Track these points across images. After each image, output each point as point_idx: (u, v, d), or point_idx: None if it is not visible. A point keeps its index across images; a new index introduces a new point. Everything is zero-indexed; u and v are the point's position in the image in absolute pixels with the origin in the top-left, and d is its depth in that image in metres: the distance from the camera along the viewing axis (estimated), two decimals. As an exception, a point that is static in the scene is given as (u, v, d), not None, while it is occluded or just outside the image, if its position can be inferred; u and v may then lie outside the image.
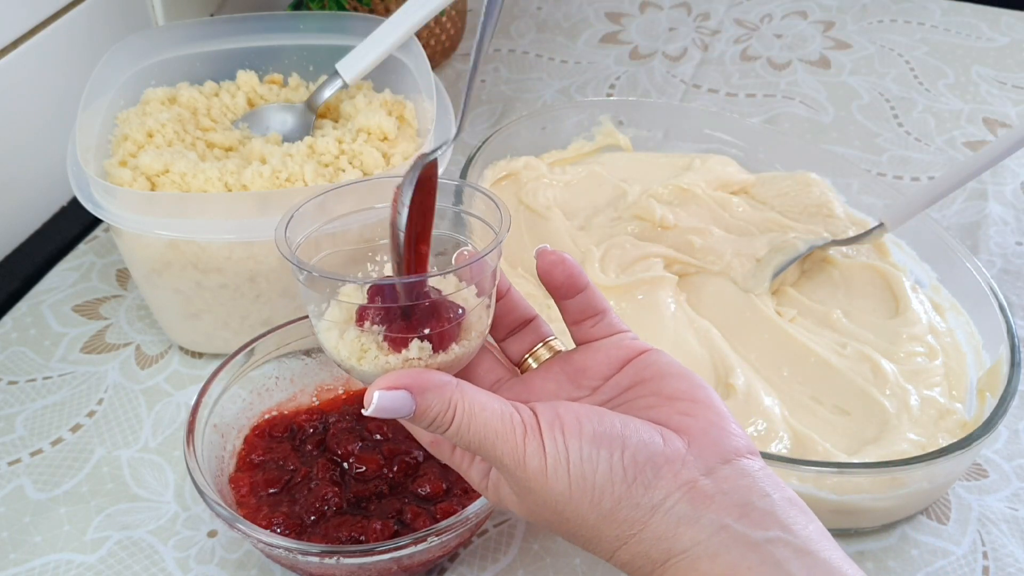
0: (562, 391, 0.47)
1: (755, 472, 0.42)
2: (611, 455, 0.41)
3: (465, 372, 0.49)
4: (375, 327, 0.43)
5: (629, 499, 0.41)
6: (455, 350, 0.45)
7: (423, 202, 0.44)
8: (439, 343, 0.44)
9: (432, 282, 0.45)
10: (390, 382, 0.41)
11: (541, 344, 0.50)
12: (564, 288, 0.48)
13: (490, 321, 0.47)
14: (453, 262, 0.47)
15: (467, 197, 0.51)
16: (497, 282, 0.47)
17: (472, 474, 0.46)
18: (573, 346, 0.50)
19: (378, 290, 0.43)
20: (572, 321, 0.49)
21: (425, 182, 0.44)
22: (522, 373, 0.50)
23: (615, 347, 0.48)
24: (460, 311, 0.45)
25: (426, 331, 0.43)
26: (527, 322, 0.50)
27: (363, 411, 0.41)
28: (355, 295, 0.45)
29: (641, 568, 0.42)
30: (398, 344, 0.43)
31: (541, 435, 0.41)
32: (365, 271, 0.51)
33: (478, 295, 0.46)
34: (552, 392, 0.47)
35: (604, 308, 0.48)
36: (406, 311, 0.43)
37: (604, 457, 0.41)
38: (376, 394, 0.40)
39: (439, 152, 0.46)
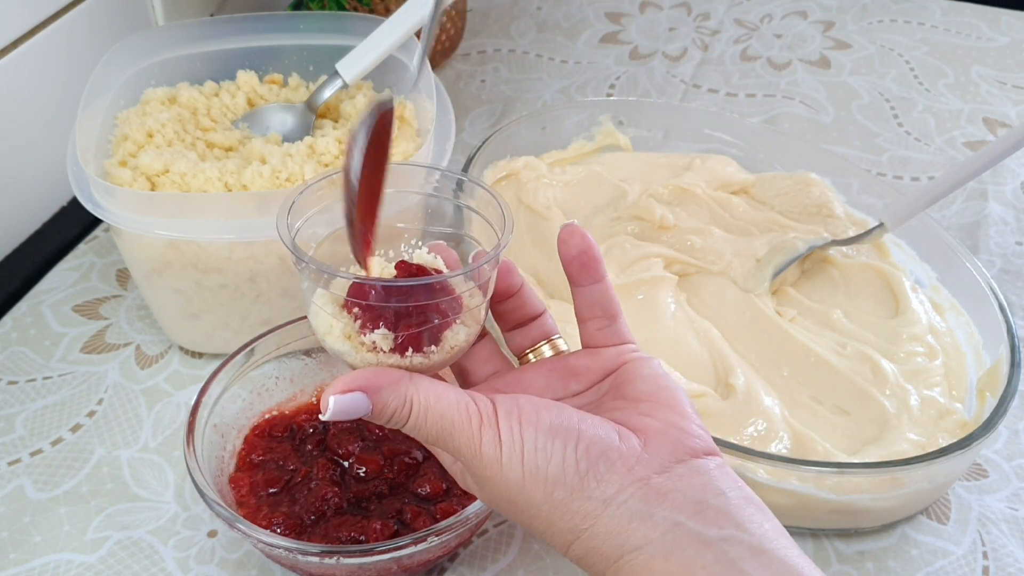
0: (549, 390, 0.48)
1: (711, 471, 0.42)
2: (565, 447, 0.41)
3: (463, 361, 0.50)
4: (359, 322, 0.44)
5: (581, 491, 0.41)
6: (436, 352, 0.45)
7: (376, 154, 0.43)
8: (422, 343, 0.44)
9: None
10: (344, 385, 0.42)
11: (545, 342, 0.50)
12: (578, 264, 0.47)
13: (482, 322, 0.48)
14: (469, 260, 0.48)
15: (468, 191, 0.51)
16: (493, 285, 0.47)
17: (444, 458, 0.47)
18: (579, 347, 0.50)
19: (358, 288, 0.44)
20: (582, 317, 0.49)
21: (381, 133, 0.43)
22: (521, 365, 0.50)
23: (613, 356, 0.48)
24: (448, 314, 0.45)
25: (404, 333, 0.44)
26: (535, 317, 0.50)
27: (320, 417, 0.42)
28: (344, 288, 0.45)
29: (595, 564, 0.42)
30: (373, 341, 0.44)
31: (498, 424, 0.42)
32: (397, 252, 0.51)
33: (472, 299, 0.46)
34: (540, 389, 0.48)
35: (614, 313, 0.48)
36: (397, 309, 0.44)
37: (558, 448, 0.41)
38: (331, 399, 0.41)
39: (396, 100, 0.46)
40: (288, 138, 0.75)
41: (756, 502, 0.42)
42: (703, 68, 1.14)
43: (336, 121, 0.79)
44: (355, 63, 0.77)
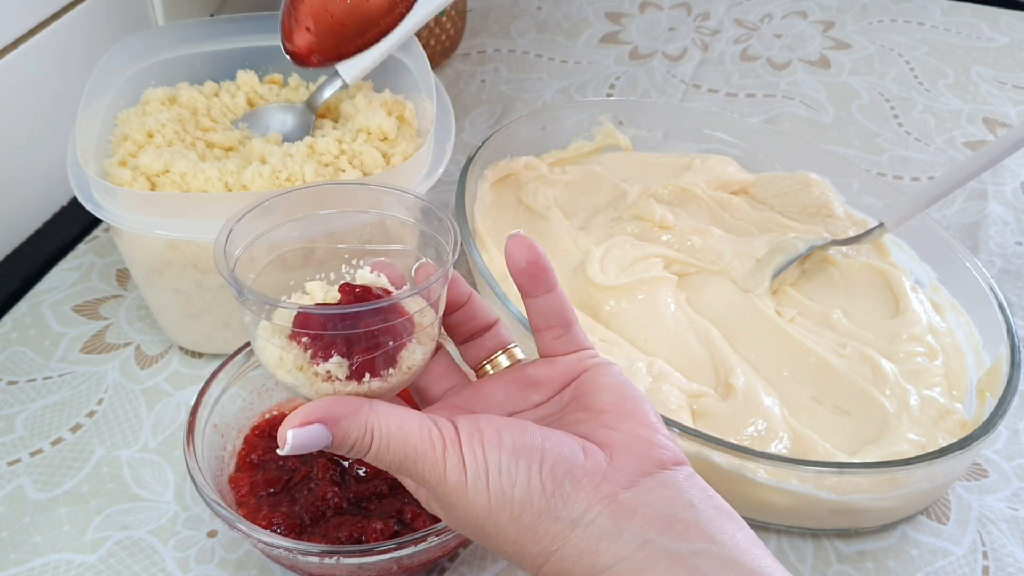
0: (510, 402, 0.47)
1: (680, 483, 0.41)
2: (529, 468, 0.40)
3: (420, 379, 0.49)
4: (309, 352, 0.43)
5: (549, 513, 0.40)
6: (394, 374, 0.44)
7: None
8: (378, 367, 0.43)
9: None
10: (302, 418, 0.40)
11: (501, 352, 0.49)
12: (528, 275, 0.46)
13: (436, 339, 0.47)
14: (412, 274, 0.47)
15: (423, 212, 0.50)
16: (444, 300, 0.46)
17: (408, 483, 0.46)
18: (535, 356, 0.49)
19: (306, 318, 0.43)
20: (536, 327, 0.48)
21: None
22: (478, 377, 0.50)
23: (572, 364, 0.47)
24: (403, 335, 0.44)
25: (359, 358, 0.43)
26: (487, 327, 0.49)
27: (278, 451, 0.41)
28: (289, 318, 0.44)
29: None
30: (327, 370, 0.43)
31: (461, 449, 0.41)
32: (339, 273, 0.49)
33: (425, 317, 0.45)
34: (500, 402, 0.47)
35: (569, 320, 0.48)
36: (344, 336, 0.42)
37: (523, 469, 0.40)
38: (289, 433, 0.40)
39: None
40: (288, 138, 0.75)
41: (727, 512, 0.41)
42: (703, 68, 1.14)
43: (336, 121, 0.79)
44: (355, 63, 0.77)
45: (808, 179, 0.86)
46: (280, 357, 0.44)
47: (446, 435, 0.41)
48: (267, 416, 0.65)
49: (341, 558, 0.53)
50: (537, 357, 0.49)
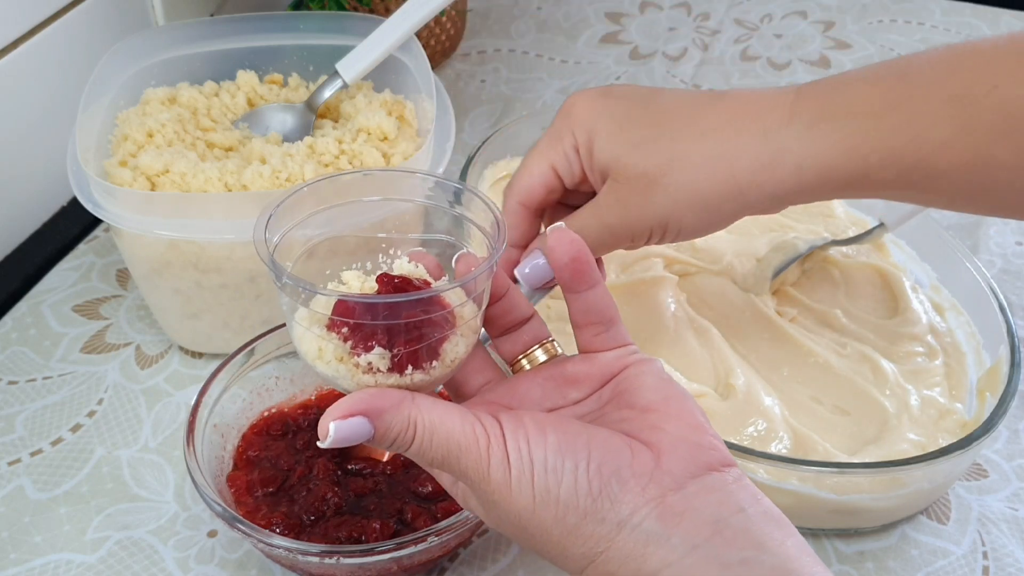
0: (547, 399, 0.46)
1: (728, 486, 0.40)
2: (576, 466, 0.39)
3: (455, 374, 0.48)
4: (349, 342, 0.42)
5: (594, 514, 0.39)
6: (437, 367, 0.43)
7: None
8: (420, 359, 0.42)
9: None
10: (344, 410, 0.39)
11: (538, 346, 0.48)
12: (571, 271, 0.45)
13: (479, 331, 0.46)
14: (453, 265, 0.46)
15: (466, 201, 0.49)
16: (488, 293, 0.45)
17: (443, 479, 0.46)
18: (573, 350, 0.48)
19: (346, 307, 0.41)
20: (577, 323, 0.46)
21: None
22: (514, 372, 0.48)
23: (612, 361, 0.46)
24: (445, 326, 0.43)
25: (401, 350, 0.41)
26: (524, 321, 0.48)
27: (319, 443, 0.40)
28: (329, 307, 0.42)
29: None
30: (369, 362, 0.42)
31: (505, 445, 0.40)
32: (375, 263, 0.48)
33: (468, 309, 0.44)
34: (537, 399, 0.46)
35: (612, 317, 0.46)
36: (385, 326, 0.41)
37: (569, 468, 0.39)
38: (332, 425, 0.39)
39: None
40: (288, 138, 0.75)
41: (776, 517, 0.40)
42: (703, 68, 1.14)
43: (336, 121, 0.79)
44: (355, 63, 0.77)
45: (808, 179, 0.86)
46: (319, 348, 0.42)
47: (490, 431, 0.40)
48: (265, 415, 0.65)
49: (341, 558, 0.53)
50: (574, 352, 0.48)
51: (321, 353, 0.42)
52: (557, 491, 0.39)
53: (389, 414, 0.40)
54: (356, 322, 0.41)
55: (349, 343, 0.42)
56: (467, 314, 0.44)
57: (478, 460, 0.40)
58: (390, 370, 0.42)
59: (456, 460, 0.40)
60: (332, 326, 0.42)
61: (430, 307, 0.42)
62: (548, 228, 0.46)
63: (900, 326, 0.73)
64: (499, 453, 0.40)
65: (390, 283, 0.43)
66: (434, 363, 0.43)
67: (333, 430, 0.39)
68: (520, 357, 0.48)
